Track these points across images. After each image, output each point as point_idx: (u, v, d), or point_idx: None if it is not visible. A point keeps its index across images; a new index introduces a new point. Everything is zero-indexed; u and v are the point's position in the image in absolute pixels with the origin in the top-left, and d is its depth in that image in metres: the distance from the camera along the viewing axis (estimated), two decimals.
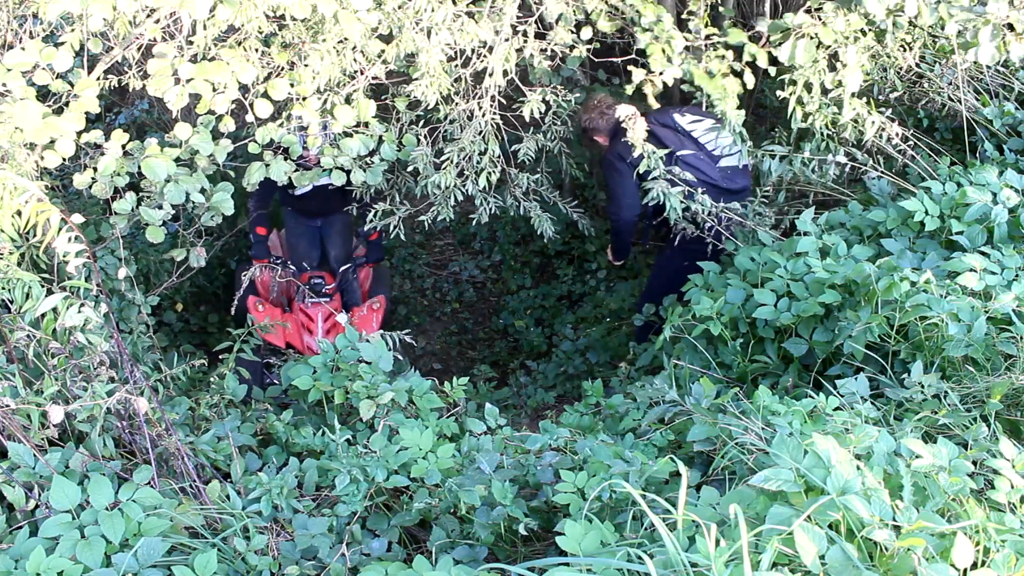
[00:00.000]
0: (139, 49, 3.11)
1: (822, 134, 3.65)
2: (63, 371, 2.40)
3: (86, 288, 2.55)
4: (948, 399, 2.35)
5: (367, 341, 3.06)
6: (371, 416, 2.73)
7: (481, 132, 3.57)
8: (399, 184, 4.07)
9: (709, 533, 1.53)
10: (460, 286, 6.39)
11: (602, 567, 1.67)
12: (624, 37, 3.68)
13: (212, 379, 3.15)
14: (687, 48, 3.46)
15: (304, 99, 3.22)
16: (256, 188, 3.34)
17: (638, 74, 3.41)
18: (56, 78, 2.79)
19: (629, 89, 3.48)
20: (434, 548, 2.15)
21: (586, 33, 3.53)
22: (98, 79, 2.98)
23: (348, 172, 3.45)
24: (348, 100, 3.40)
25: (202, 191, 2.96)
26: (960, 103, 3.82)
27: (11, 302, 2.41)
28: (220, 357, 3.30)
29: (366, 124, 3.42)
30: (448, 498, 2.21)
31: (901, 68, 3.80)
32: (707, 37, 3.45)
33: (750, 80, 3.45)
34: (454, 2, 3.25)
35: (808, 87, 3.47)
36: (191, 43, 2.94)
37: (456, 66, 3.51)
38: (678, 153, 3.73)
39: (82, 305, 2.38)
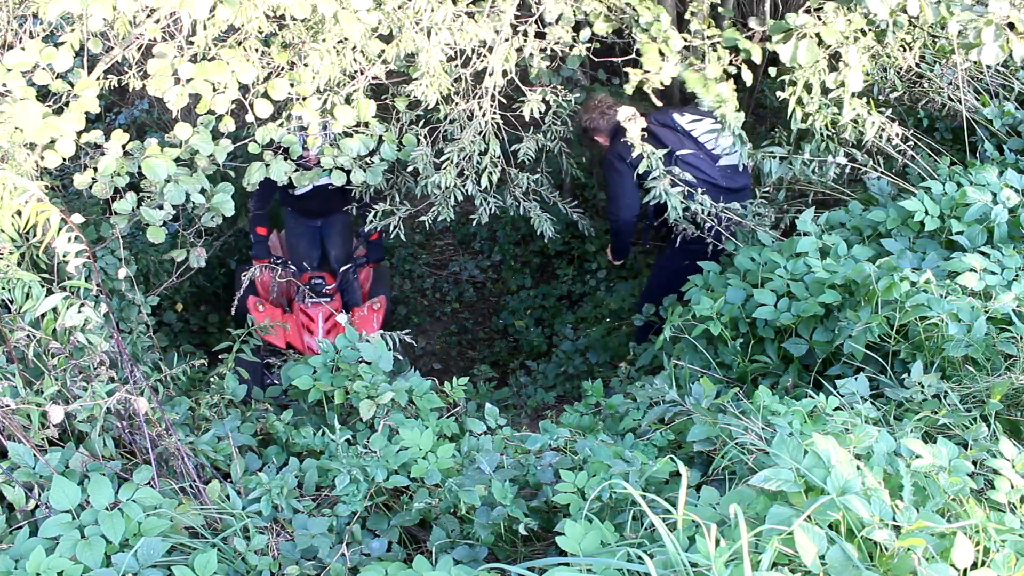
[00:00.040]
0: (139, 49, 3.11)
1: (822, 135, 3.65)
2: (63, 371, 2.40)
3: (86, 288, 2.55)
4: (948, 399, 2.35)
5: (367, 341, 3.06)
6: (371, 416, 2.73)
7: (481, 132, 3.58)
8: (399, 184, 4.07)
9: (709, 533, 1.53)
10: (460, 286, 6.39)
11: (602, 567, 1.67)
12: (624, 37, 3.68)
13: (212, 379, 3.15)
14: (687, 48, 3.46)
15: (304, 99, 3.22)
16: (256, 188, 3.34)
17: (635, 75, 3.41)
18: (56, 78, 2.79)
19: (628, 89, 3.48)
20: (434, 548, 2.15)
21: (586, 33, 3.53)
22: (98, 79, 2.98)
23: (348, 172, 3.45)
24: (348, 100, 3.40)
25: (202, 191, 2.96)
26: (960, 103, 3.82)
27: (11, 302, 2.41)
28: (220, 357, 3.30)
29: (366, 124, 3.42)
30: (448, 498, 2.21)
31: (901, 68, 3.80)
32: (707, 37, 3.45)
33: (748, 77, 3.45)
34: (454, 2, 3.25)
35: (808, 88, 3.47)
36: (191, 43, 2.94)
37: (456, 66, 3.51)
38: (678, 152, 3.74)
39: (82, 305, 2.38)
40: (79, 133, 2.75)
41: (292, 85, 3.16)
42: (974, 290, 2.77)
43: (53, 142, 2.66)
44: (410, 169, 3.74)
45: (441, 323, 6.18)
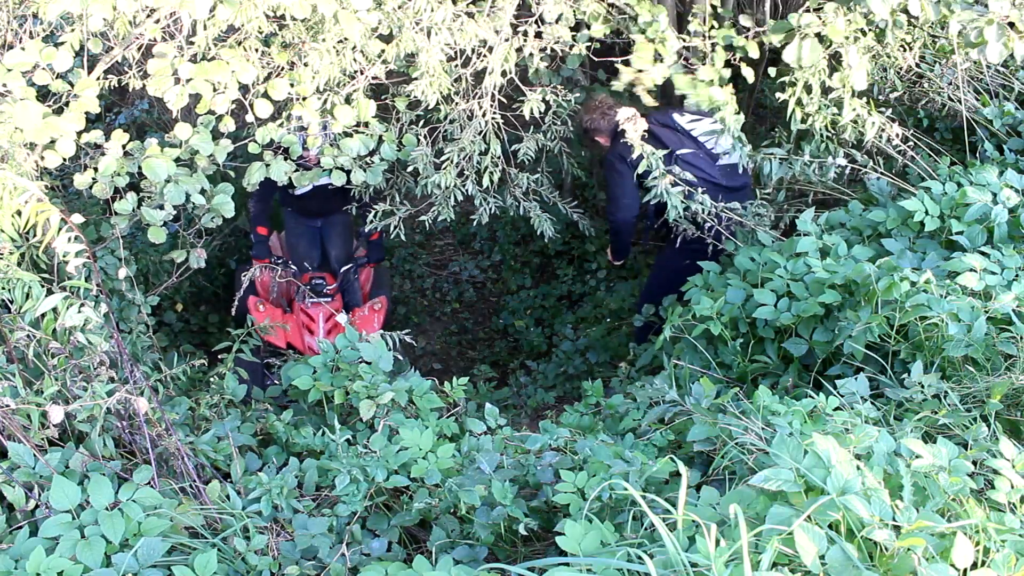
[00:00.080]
0: (139, 49, 3.11)
1: (822, 135, 3.65)
2: (63, 371, 2.40)
3: (86, 288, 2.55)
4: (948, 399, 2.35)
5: (367, 341, 3.06)
6: (371, 416, 2.73)
7: (481, 132, 3.58)
8: (399, 184, 4.07)
9: (709, 533, 1.53)
10: (460, 286, 6.39)
11: (602, 567, 1.67)
12: (624, 37, 3.68)
13: (212, 379, 3.15)
14: (687, 48, 3.46)
15: (304, 99, 3.22)
16: (256, 188, 3.34)
17: (627, 73, 3.40)
18: (56, 78, 2.80)
19: (618, 86, 3.48)
20: (434, 548, 2.15)
21: (585, 33, 3.53)
22: (98, 79, 2.99)
23: (348, 172, 3.45)
24: (348, 100, 3.40)
25: (202, 192, 2.96)
26: (960, 103, 3.82)
27: (11, 302, 2.42)
28: (220, 357, 3.30)
29: (366, 124, 3.42)
30: (448, 498, 2.21)
31: (901, 68, 3.80)
32: (707, 37, 3.45)
33: (749, 74, 3.45)
34: (454, 2, 3.25)
35: (808, 88, 3.47)
36: (191, 43, 2.94)
37: (456, 66, 3.51)
38: (678, 152, 3.74)
39: (82, 305, 2.38)
40: (79, 133, 2.75)
41: (292, 85, 3.16)
42: (974, 290, 2.77)
43: (53, 142, 2.66)
44: (410, 169, 3.74)
45: (441, 323, 6.18)
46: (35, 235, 2.72)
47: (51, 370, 2.39)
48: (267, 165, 3.26)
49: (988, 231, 3.17)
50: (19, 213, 2.44)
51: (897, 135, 3.62)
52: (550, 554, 2.08)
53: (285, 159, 3.28)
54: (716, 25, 3.51)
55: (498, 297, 6.28)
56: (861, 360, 2.67)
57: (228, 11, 2.67)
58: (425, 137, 3.63)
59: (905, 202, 3.30)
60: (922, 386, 2.41)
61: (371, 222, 3.86)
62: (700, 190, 3.62)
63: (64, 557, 1.88)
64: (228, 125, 3.06)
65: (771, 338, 3.01)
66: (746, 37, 3.46)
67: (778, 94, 3.60)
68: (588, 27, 3.49)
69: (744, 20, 3.50)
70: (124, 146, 2.94)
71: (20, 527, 2.04)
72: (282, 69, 3.26)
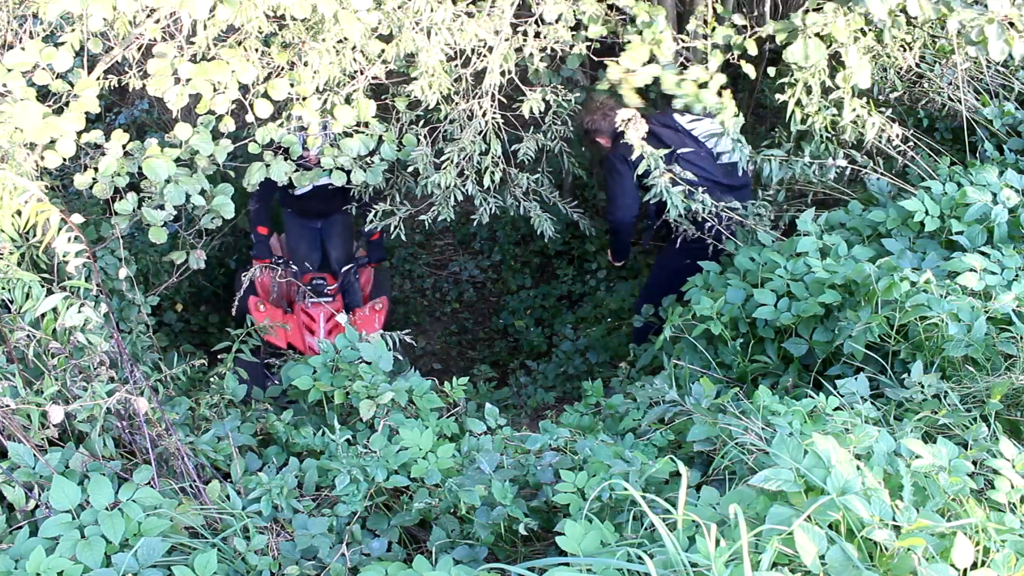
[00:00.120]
0: (139, 49, 3.11)
1: (822, 136, 3.65)
2: (63, 371, 2.40)
3: (86, 288, 2.55)
4: (948, 399, 2.35)
5: (367, 341, 3.06)
6: (371, 416, 2.73)
7: (481, 132, 3.58)
8: (399, 184, 4.07)
9: (709, 533, 1.53)
10: (460, 286, 6.39)
11: (602, 567, 1.67)
12: (623, 38, 3.68)
13: (212, 379, 3.15)
14: (688, 49, 3.46)
15: (304, 99, 3.22)
16: (256, 188, 3.34)
17: (613, 72, 3.40)
18: (56, 78, 2.80)
19: (602, 85, 3.47)
20: (434, 548, 2.15)
21: (583, 35, 3.53)
22: (98, 79, 2.99)
23: (348, 172, 3.45)
24: (348, 100, 3.40)
25: (202, 192, 2.96)
26: (960, 103, 3.82)
27: (11, 302, 2.42)
28: (220, 357, 3.30)
29: (366, 124, 3.42)
30: (448, 498, 2.21)
31: (901, 68, 3.80)
32: (706, 38, 3.45)
33: (750, 71, 3.45)
34: (454, 2, 3.25)
35: (808, 89, 3.47)
36: (191, 43, 2.94)
37: (456, 66, 3.51)
38: (679, 151, 3.75)
39: (82, 305, 2.38)
40: (79, 133, 2.75)
41: (292, 85, 3.16)
42: (974, 290, 2.78)
43: (53, 142, 2.66)
44: (410, 169, 3.74)
45: (441, 323, 6.18)
46: (35, 235, 2.72)
47: (51, 370, 2.39)
48: (267, 165, 3.26)
49: (988, 231, 3.17)
50: (19, 213, 2.44)
51: (897, 135, 3.62)
52: (550, 554, 2.08)
53: (285, 159, 3.28)
54: (716, 25, 3.51)
55: (498, 297, 6.28)
56: (861, 360, 2.67)
57: (228, 11, 2.67)
58: (425, 137, 3.63)
59: (905, 202, 3.30)
60: (922, 386, 2.41)
61: (371, 222, 3.86)
62: (701, 189, 3.62)
63: (64, 557, 1.88)
64: (228, 125, 3.06)
65: (771, 338, 3.01)
66: (745, 37, 3.46)
67: (778, 95, 3.60)
68: (586, 28, 3.49)
69: (737, 19, 3.49)
70: (124, 146, 2.94)
71: (20, 527, 2.04)
72: (282, 69, 3.26)
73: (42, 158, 2.73)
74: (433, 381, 2.95)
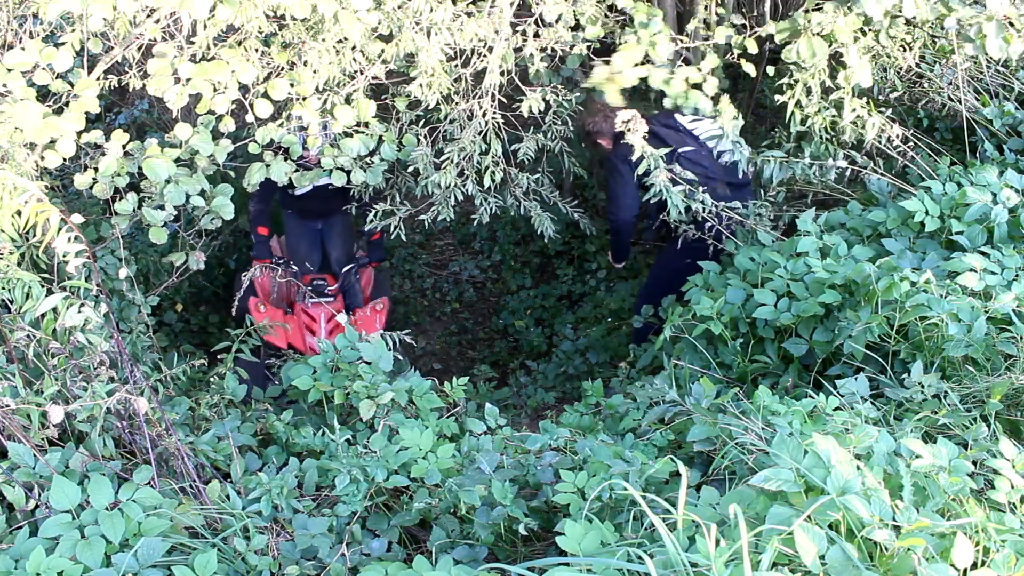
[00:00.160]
0: (139, 49, 3.11)
1: (821, 137, 3.66)
2: (63, 371, 2.40)
3: (86, 288, 2.55)
4: (948, 399, 2.35)
5: (367, 341, 3.06)
6: (371, 416, 2.73)
7: (481, 132, 3.58)
8: (399, 184, 4.07)
9: (709, 533, 1.53)
10: (460, 286, 6.39)
11: (602, 567, 1.67)
12: (621, 39, 3.68)
13: (212, 379, 3.15)
14: (688, 50, 3.46)
15: (304, 99, 3.22)
16: (256, 189, 3.34)
17: (600, 72, 3.39)
18: (56, 78, 2.80)
19: (587, 84, 3.45)
20: (434, 548, 2.15)
21: (580, 35, 3.53)
22: (98, 79, 2.99)
23: (348, 172, 3.45)
24: (348, 100, 3.40)
25: (201, 193, 2.96)
26: (960, 103, 3.82)
27: (11, 302, 2.42)
28: (220, 357, 3.30)
29: (366, 124, 3.42)
30: (448, 498, 2.21)
31: (901, 68, 3.80)
32: (706, 38, 3.45)
33: (751, 69, 3.45)
34: (454, 2, 3.25)
35: (808, 90, 3.47)
36: (191, 43, 2.94)
37: (456, 66, 3.51)
38: (680, 150, 3.76)
39: (82, 305, 2.38)
40: (79, 133, 2.75)
41: (292, 85, 3.16)
42: (974, 290, 2.77)
43: (53, 142, 2.66)
44: (410, 169, 3.74)
45: (441, 323, 6.18)
46: (35, 235, 2.72)
47: (51, 370, 2.39)
48: (267, 165, 3.26)
49: (988, 231, 3.17)
50: (19, 213, 2.44)
51: (897, 135, 3.63)
52: (550, 554, 2.08)
53: (285, 159, 3.28)
54: (717, 25, 3.51)
55: (498, 297, 6.28)
56: (861, 360, 2.67)
57: (228, 11, 2.68)
58: (425, 137, 3.63)
59: (905, 202, 3.30)
60: (922, 386, 2.41)
61: (371, 222, 3.86)
62: (701, 189, 3.62)
63: (64, 557, 1.88)
64: (228, 125, 3.06)
65: (771, 338, 3.01)
66: (745, 36, 3.46)
67: (777, 96, 3.60)
68: (583, 29, 3.49)
69: (745, 20, 3.50)
70: (124, 146, 2.94)
71: (20, 527, 2.04)
72: (282, 69, 3.26)
73: (42, 158, 2.73)
74: (433, 381, 2.95)
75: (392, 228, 3.82)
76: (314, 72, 3.21)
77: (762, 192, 3.86)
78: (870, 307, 2.71)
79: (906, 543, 1.55)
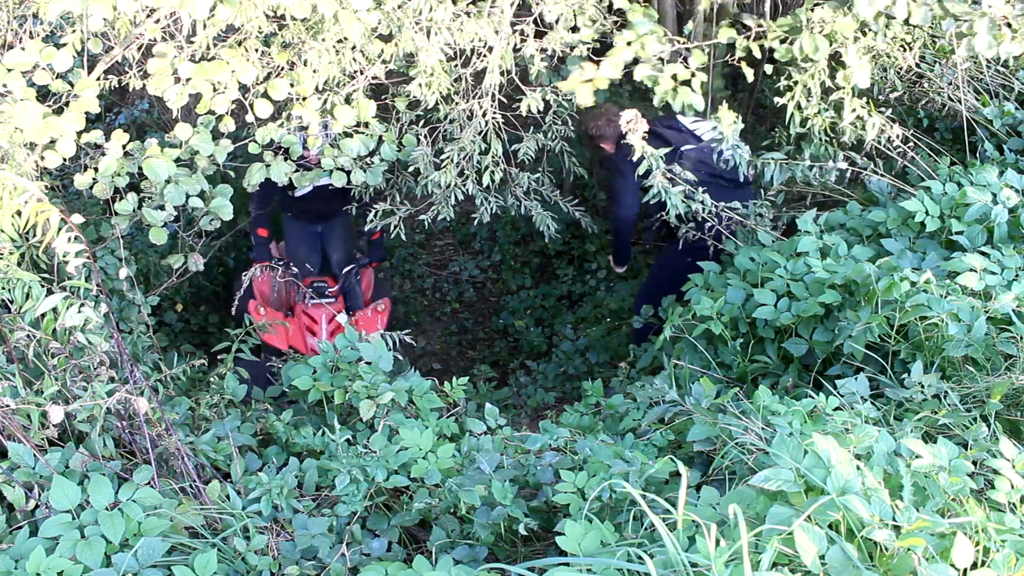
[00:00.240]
0: (139, 49, 3.11)
1: (820, 139, 3.66)
2: (63, 371, 2.40)
3: (86, 288, 2.55)
4: (948, 399, 2.35)
5: (367, 341, 3.06)
6: (371, 416, 2.73)
7: (481, 132, 3.57)
8: (399, 184, 4.07)
9: (709, 533, 1.53)
10: (460, 286, 6.39)
11: (602, 567, 1.67)
12: (616, 40, 3.68)
13: (212, 379, 3.15)
14: (688, 50, 3.46)
15: (304, 99, 3.22)
16: (256, 189, 3.33)
17: (589, 69, 3.38)
18: (56, 78, 2.80)
19: (564, 87, 3.43)
20: (434, 548, 2.15)
21: (576, 37, 3.53)
22: (98, 79, 2.99)
23: (348, 172, 3.45)
24: (348, 100, 3.40)
25: (201, 194, 2.96)
26: (960, 103, 3.82)
27: (11, 302, 2.41)
28: (220, 357, 3.30)
29: (366, 124, 3.42)
30: (448, 498, 2.21)
31: (901, 68, 3.80)
32: (705, 37, 3.45)
33: (749, 74, 3.45)
34: (454, 2, 3.25)
35: (808, 92, 3.47)
36: (191, 43, 2.94)
37: (456, 66, 3.51)
38: (682, 148, 3.78)
39: (82, 305, 2.38)
40: (79, 133, 2.75)
41: (292, 85, 3.16)
42: (974, 290, 2.78)
43: (53, 142, 2.66)
44: (410, 169, 3.74)
45: (441, 323, 6.18)
46: (35, 235, 2.72)
47: (51, 370, 2.39)
48: (267, 165, 3.26)
49: (988, 231, 3.17)
50: (19, 213, 2.44)
51: (897, 136, 3.62)
52: (550, 554, 2.08)
53: (285, 159, 3.28)
54: (717, 23, 3.51)
55: (498, 297, 6.28)
56: (861, 360, 2.67)
57: (228, 11, 2.68)
58: (425, 137, 3.62)
59: (905, 202, 3.30)
60: (922, 386, 2.41)
61: (371, 222, 3.86)
62: (701, 190, 3.63)
63: (64, 557, 1.88)
64: (228, 125, 3.06)
65: (771, 338, 3.01)
66: (747, 37, 3.46)
67: (777, 98, 3.60)
68: (577, 30, 3.48)
69: (749, 20, 3.49)
70: (124, 146, 2.94)
71: (20, 527, 2.04)
72: (282, 69, 3.26)
73: (42, 158, 2.73)
74: (433, 381, 2.95)
75: (392, 228, 3.82)
76: (314, 72, 3.21)
77: (762, 193, 3.86)
78: (870, 307, 2.71)
79: (906, 543, 1.55)
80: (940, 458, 1.83)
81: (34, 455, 2.18)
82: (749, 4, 4.07)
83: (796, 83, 3.50)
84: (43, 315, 2.38)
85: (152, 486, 2.17)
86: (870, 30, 3.37)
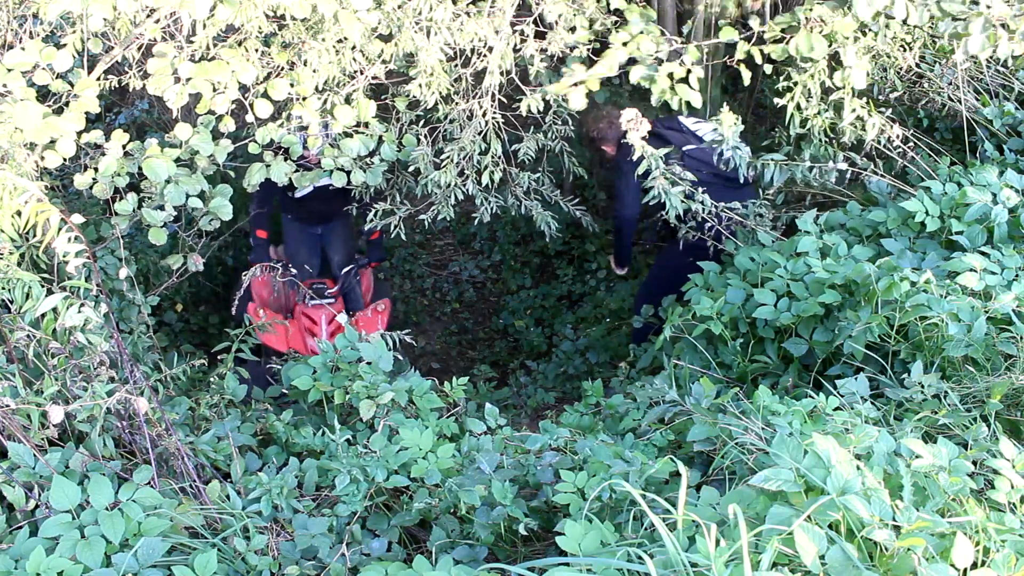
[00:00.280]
0: (139, 49, 3.11)
1: (820, 139, 3.66)
2: (63, 371, 2.40)
3: (86, 288, 2.55)
4: (948, 399, 2.35)
5: (367, 341, 3.06)
6: (371, 416, 2.73)
7: (481, 132, 3.57)
8: (399, 184, 4.07)
9: (709, 533, 1.53)
10: (460, 286, 6.39)
11: (602, 567, 1.67)
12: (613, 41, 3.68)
13: (212, 379, 3.15)
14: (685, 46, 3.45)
15: (304, 99, 3.22)
16: (256, 190, 3.33)
17: (578, 71, 3.38)
18: (56, 78, 2.80)
19: (555, 89, 3.42)
20: (434, 548, 2.15)
21: (574, 38, 3.53)
22: (98, 79, 2.99)
23: (348, 173, 3.45)
24: (348, 100, 3.40)
25: (200, 195, 2.96)
26: (960, 103, 3.82)
27: (11, 302, 2.41)
28: (220, 357, 3.30)
29: (366, 124, 3.42)
30: (448, 498, 2.21)
31: (901, 68, 3.80)
32: (705, 37, 3.45)
33: (747, 76, 3.45)
34: (454, 2, 3.25)
35: (807, 93, 3.47)
36: (191, 43, 2.94)
37: (456, 66, 3.51)
38: (684, 148, 3.79)
39: (82, 305, 2.38)
40: (79, 133, 2.75)
41: (292, 85, 3.15)
42: (974, 290, 2.78)
43: (53, 142, 2.66)
44: (410, 169, 3.74)
45: (441, 323, 6.18)
46: (35, 235, 2.72)
47: (51, 370, 2.39)
48: (267, 166, 3.26)
49: (988, 231, 3.17)
50: (19, 213, 2.44)
51: (897, 136, 3.62)
52: (550, 554, 2.08)
53: (285, 160, 3.28)
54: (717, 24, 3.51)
55: (498, 297, 6.28)
56: (861, 360, 2.67)
57: (228, 11, 2.67)
58: (425, 137, 3.62)
59: (905, 202, 3.30)
60: (922, 386, 2.41)
61: (371, 222, 3.86)
62: (701, 190, 3.63)
63: (64, 557, 1.88)
64: (228, 125, 3.06)
65: (771, 338, 3.01)
66: (747, 38, 3.46)
67: (776, 99, 3.60)
68: (573, 31, 3.48)
69: (753, 23, 3.49)
70: (124, 146, 2.94)
71: (20, 527, 2.04)
72: (282, 69, 3.26)
73: (42, 158, 2.73)
74: (433, 381, 2.95)
75: (392, 228, 3.82)
76: (314, 72, 3.21)
77: (762, 194, 3.87)
78: (870, 307, 2.71)
79: (906, 543, 1.55)
80: (940, 458, 1.83)
81: (34, 455, 2.18)
82: (749, 6, 4.07)
83: (796, 83, 3.50)
84: (43, 315, 2.38)
85: (152, 486, 2.17)
86: (870, 30, 3.37)
